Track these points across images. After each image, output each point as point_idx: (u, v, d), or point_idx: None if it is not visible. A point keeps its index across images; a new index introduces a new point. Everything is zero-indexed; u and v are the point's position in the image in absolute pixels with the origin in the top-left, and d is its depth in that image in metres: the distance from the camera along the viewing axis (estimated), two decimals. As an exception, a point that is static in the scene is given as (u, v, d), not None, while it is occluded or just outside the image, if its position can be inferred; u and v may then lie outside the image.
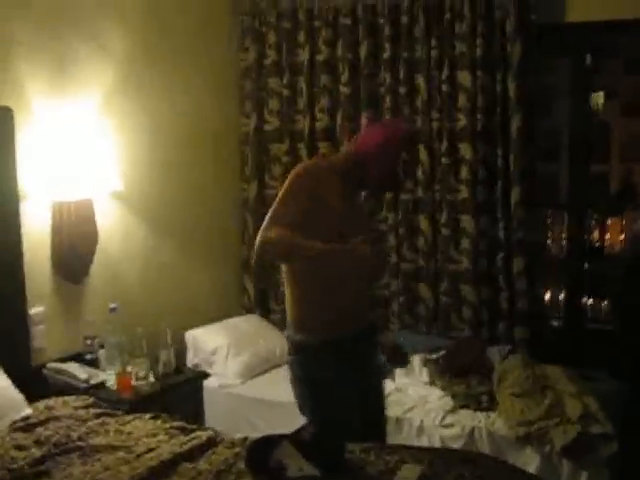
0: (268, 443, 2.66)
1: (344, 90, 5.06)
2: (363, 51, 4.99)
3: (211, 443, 2.97)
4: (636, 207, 6.79)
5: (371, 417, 3.25)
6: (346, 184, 3.11)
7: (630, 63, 8.01)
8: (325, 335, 3.07)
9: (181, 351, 4.57)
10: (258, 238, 2.87)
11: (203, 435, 3.03)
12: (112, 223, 4.30)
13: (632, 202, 6.96)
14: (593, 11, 4.65)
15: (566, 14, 4.72)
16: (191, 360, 4.72)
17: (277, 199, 2.95)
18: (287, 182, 2.97)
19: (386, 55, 4.93)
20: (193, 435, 3.04)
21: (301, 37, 5.17)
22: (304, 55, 5.16)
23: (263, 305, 5.44)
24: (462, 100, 4.77)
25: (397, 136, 3.16)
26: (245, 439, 2.97)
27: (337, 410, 3.06)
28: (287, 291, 3.15)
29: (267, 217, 2.90)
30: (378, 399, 3.36)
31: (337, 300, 3.08)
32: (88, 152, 3.89)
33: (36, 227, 3.83)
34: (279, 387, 4.39)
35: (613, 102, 8.72)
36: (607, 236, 7.32)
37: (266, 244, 2.85)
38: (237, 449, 2.87)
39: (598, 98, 9.25)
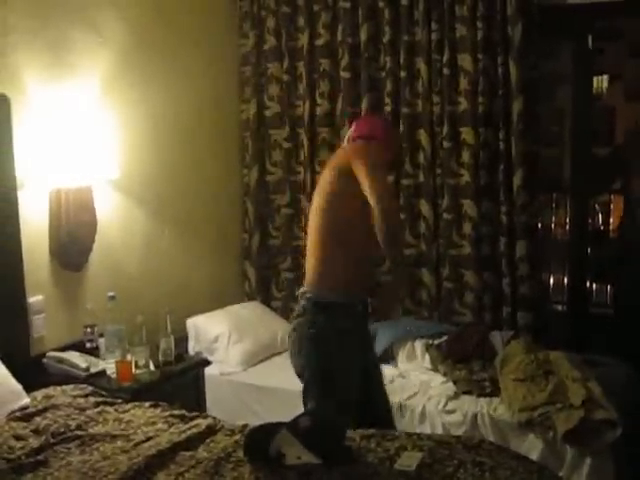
0: (267, 431, 2.64)
1: (344, 74, 5.02)
2: (363, 35, 4.94)
3: (210, 431, 2.95)
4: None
5: (375, 387, 3.48)
6: None
7: (634, 46, 7.94)
8: (345, 295, 3.26)
9: (182, 339, 4.54)
10: (384, 204, 3.02)
11: (203, 423, 3.02)
12: (111, 211, 4.27)
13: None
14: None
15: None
16: (192, 348, 4.70)
17: (365, 167, 3.11)
18: (363, 155, 3.21)
19: (386, 39, 4.89)
20: (192, 423, 3.03)
21: (300, 21, 5.12)
22: (304, 40, 5.11)
23: (264, 292, 5.41)
24: (463, 83, 4.72)
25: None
26: (245, 427, 2.96)
27: (342, 368, 3.24)
28: (316, 249, 3.28)
29: (375, 184, 3.06)
30: (377, 369, 3.58)
31: (360, 266, 3.32)
32: (86, 139, 3.85)
33: (34, 215, 3.81)
34: (281, 374, 4.39)
35: (617, 86, 8.65)
36: (611, 220, 7.28)
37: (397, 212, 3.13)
38: (236, 437, 2.86)
39: (601, 82, 9.19)
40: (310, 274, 3.30)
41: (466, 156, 4.75)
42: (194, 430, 2.94)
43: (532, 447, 3.61)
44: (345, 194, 3.20)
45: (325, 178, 3.31)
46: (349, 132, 3.52)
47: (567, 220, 5.69)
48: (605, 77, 8.71)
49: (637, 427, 3.74)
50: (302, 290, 3.33)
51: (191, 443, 2.84)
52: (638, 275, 5.19)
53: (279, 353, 4.73)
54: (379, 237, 3.05)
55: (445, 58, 4.74)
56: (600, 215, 7.10)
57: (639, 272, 5.23)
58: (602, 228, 7.17)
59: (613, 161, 6.01)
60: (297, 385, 4.19)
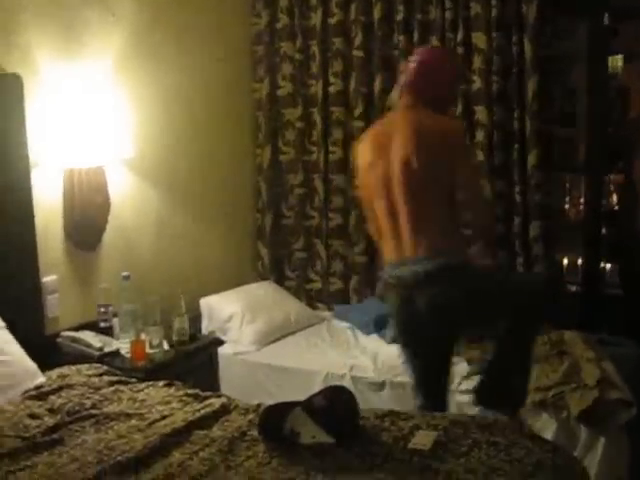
0: (281, 410, 2.65)
1: (357, 53, 4.99)
2: (376, 13, 4.91)
3: (225, 410, 2.95)
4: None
5: None
6: None
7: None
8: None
9: (195, 319, 4.55)
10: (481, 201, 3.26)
11: (217, 402, 3.02)
12: (125, 191, 4.27)
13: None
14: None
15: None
16: (206, 327, 4.70)
17: (462, 154, 3.22)
18: (457, 139, 3.27)
19: (399, 17, 4.85)
20: (206, 402, 3.02)
21: (313, 0, 5.10)
22: (316, 18, 5.09)
23: (277, 272, 5.41)
24: (477, 62, 4.69)
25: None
26: (258, 406, 2.95)
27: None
28: (437, 219, 3.22)
29: (471, 173, 3.23)
30: None
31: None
32: (99, 119, 3.84)
33: (47, 195, 3.81)
34: (294, 354, 4.41)
35: (633, 66, 8.56)
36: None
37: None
38: (250, 416, 2.86)
39: (617, 61, 9.11)
40: (433, 240, 3.21)
41: (480, 135, 4.72)
42: (208, 409, 2.94)
43: (546, 427, 3.60)
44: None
45: (419, 147, 3.20)
46: (403, 79, 3.42)
47: (581, 200, 5.68)
48: (620, 57, 8.63)
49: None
50: (420, 257, 3.20)
51: (205, 422, 2.84)
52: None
53: (293, 333, 4.74)
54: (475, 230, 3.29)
55: (459, 37, 4.71)
56: (615, 195, 7.05)
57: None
58: (617, 208, 7.12)
59: (619, 141, 5.96)
60: (310, 364, 4.23)
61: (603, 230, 5.62)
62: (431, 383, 3.40)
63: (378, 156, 3.28)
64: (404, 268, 3.20)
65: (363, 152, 3.40)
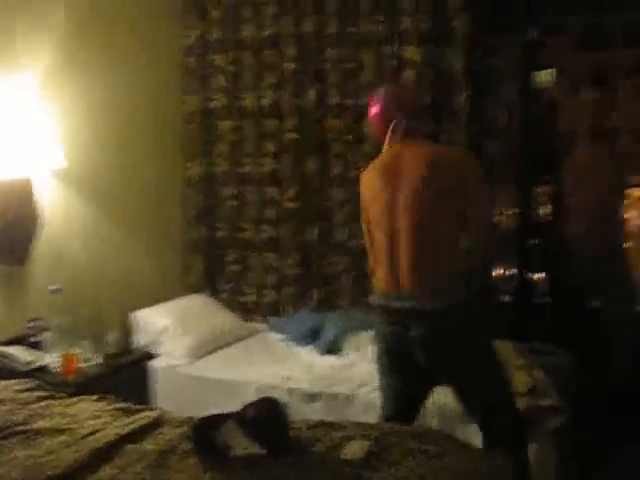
0: (213, 422, 2.63)
1: (290, 66, 5.01)
2: (309, 26, 4.94)
3: (157, 423, 2.92)
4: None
5: None
6: None
7: (581, 39, 8.01)
8: None
9: (128, 332, 4.51)
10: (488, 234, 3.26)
11: (149, 416, 2.98)
12: (55, 203, 4.21)
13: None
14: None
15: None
16: (138, 341, 4.65)
17: (477, 185, 3.19)
18: (474, 170, 3.22)
19: (332, 30, 4.89)
20: (138, 416, 2.99)
21: (246, 12, 5.10)
22: (249, 31, 5.09)
23: (210, 285, 5.39)
24: (409, 75, 4.74)
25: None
26: (191, 419, 2.93)
27: None
28: (444, 249, 3.19)
29: (485, 202, 3.24)
30: None
31: None
32: (26, 130, 3.79)
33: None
34: (228, 366, 4.40)
35: (563, 80, 8.74)
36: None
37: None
38: (183, 429, 2.83)
39: (547, 75, 9.30)
40: (435, 276, 3.18)
41: (413, 147, 4.77)
42: (140, 423, 2.90)
43: (478, 435, 3.64)
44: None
45: (429, 179, 3.17)
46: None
47: (512, 212, 5.75)
48: (551, 71, 8.82)
49: (579, 413, 3.79)
50: (437, 287, 3.17)
51: (137, 436, 2.80)
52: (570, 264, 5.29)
53: (227, 345, 4.72)
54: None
55: (391, 50, 4.76)
56: (545, 206, 7.16)
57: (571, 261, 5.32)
58: (547, 219, 7.24)
59: (550, 153, 6.08)
60: (244, 376, 4.22)
61: (535, 241, 5.70)
62: (404, 409, 3.38)
63: (387, 186, 3.24)
64: (399, 301, 3.18)
65: (370, 182, 3.36)
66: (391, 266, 3.20)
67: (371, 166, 3.43)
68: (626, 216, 5.36)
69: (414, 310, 3.11)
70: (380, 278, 3.28)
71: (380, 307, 3.26)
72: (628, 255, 5.04)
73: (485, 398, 3.22)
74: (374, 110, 3.36)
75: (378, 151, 4.75)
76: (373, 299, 3.31)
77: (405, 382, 3.32)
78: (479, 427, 3.31)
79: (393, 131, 3.31)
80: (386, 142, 3.35)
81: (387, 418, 3.33)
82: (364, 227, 3.47)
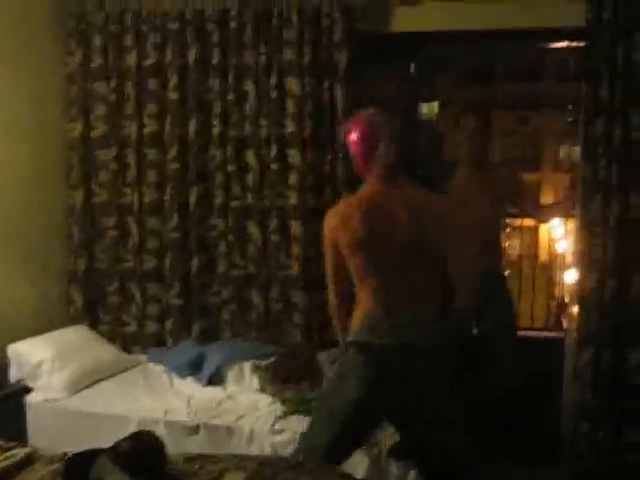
0: (86, 458, 2.58)
1: (172, 95, 4.99)
2: (192, 56, 4.93)
3: (29, 461, 2.86)
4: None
5: None
6: None
7: (463, 74, 8.25)
8: None
9: (3, 366, 4.38)
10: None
11: (20, 453, 2.92)
12: None
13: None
14: (418, 22, 4.77)
15: (391, 24, 4.82)
16: (14, 375, 4.51)
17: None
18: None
19: (215, 61, 4.90)
20: (9, 453, 2.91)
21: (128, 41, 5.05)
22: (131, 59, 5.05)
23: (91, 316, 5.28)
24: (290, 106, 4.79)
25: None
26: (65, 455, 2.87)
27: None
28: (437, 277, 3.31)
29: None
30: None
31: None
32: None
33: None
34: (107, 399, 4.32)
35: (447, 111, 8.98)
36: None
37: None
38: (55, 466, 2.77)
39: (431, 108, 9.52)
40: (436, 301, 3.28)
41: (293, 178, 4.82)
42: (11, 460, 2.83)
43: (358, 464, 3.66)
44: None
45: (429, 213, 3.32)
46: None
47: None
48: (435, 103, 9.04)
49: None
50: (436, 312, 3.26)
51: (7, 474, 2.73)
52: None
53: (106, 378, 4.62)
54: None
55: (273, 81, 4.80)
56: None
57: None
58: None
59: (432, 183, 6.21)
60: (123, 410, 4.16)
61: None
62: (348, 444, 3.38)
63: (376, 223, 3.24)
64: (392, 337, 3.19)
65: (350, 220, 3.26)
66: (393, 298, 3.22)
67: (347, 204, 3.43)
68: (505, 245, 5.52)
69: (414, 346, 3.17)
70: (370, 314, 3.22)
71: (366, 344, 3.21)
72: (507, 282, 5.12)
73: (444, 435, 3.29)
74: (355, 136, 3.35)
75: (261, 181, 4.84)
76: (357, 336, 3.24)
77: (369, 419, 3.35)
78: (417, 464, 3.42)
79: (377, 162, 3.34)
80: (371, 176, 3.37)
81: (331, 456, 3.25)
82: (330, 265, 3.38)
